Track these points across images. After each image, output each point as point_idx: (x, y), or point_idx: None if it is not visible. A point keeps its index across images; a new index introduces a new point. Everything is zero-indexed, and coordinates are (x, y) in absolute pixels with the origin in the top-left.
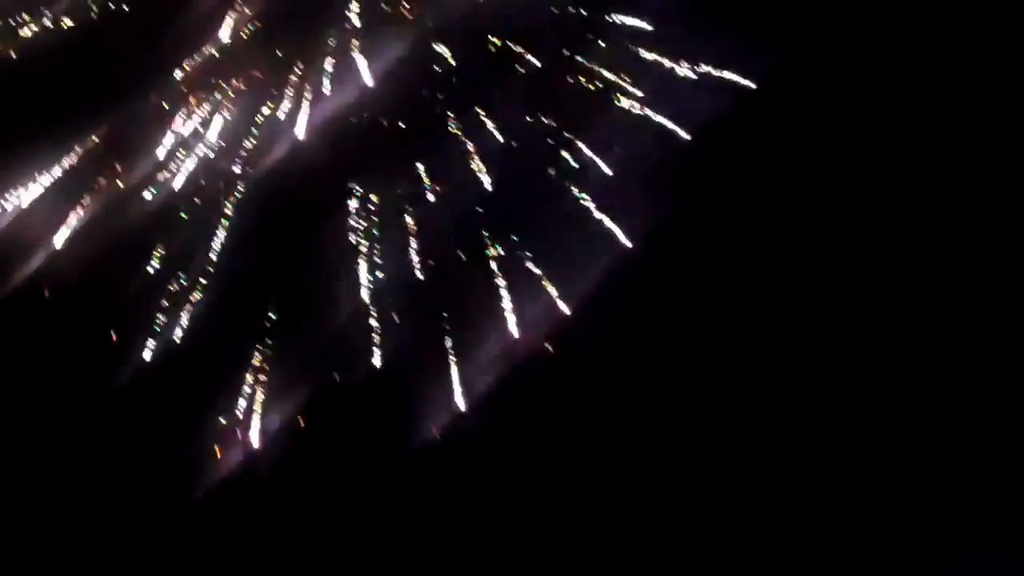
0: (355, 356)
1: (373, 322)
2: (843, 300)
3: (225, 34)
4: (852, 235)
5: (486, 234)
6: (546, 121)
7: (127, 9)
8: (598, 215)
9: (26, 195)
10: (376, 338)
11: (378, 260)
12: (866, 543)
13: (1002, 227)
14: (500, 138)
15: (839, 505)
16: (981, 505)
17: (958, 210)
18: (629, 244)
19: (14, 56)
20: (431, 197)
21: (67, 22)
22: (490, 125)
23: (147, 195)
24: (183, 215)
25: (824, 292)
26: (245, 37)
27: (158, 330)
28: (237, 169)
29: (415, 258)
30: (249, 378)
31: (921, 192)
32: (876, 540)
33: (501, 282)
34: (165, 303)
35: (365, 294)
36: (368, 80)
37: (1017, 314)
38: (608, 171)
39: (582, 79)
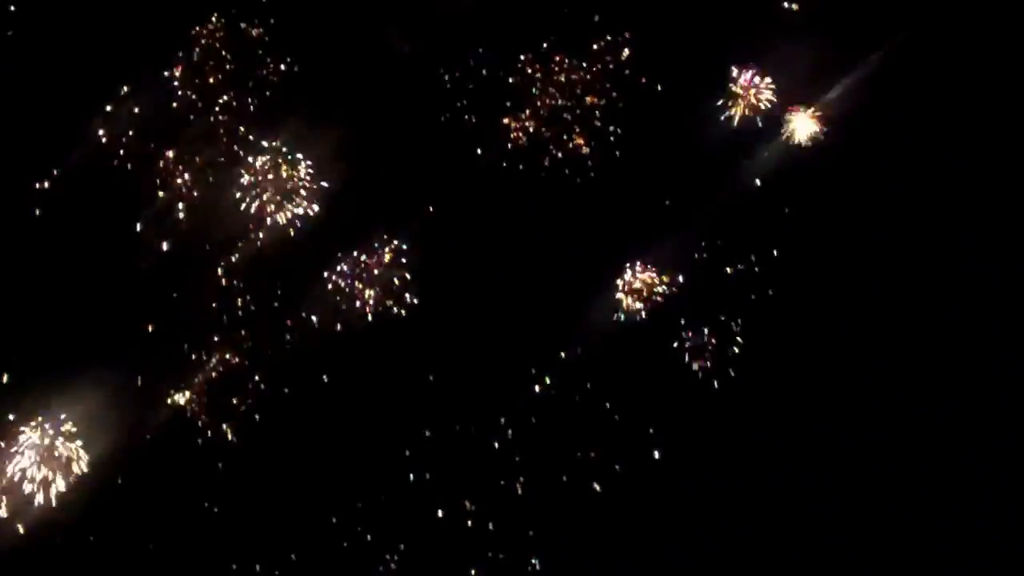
0: None
1: None
2: (844, 301)
3: None
4: (854, 237)
5: None
6: None
7: None
8: None
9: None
10: None
11: None
12: (866, 543)
13: (1003, 229)
14: None
15: (839, 506)
16: (981, 506)
17: (959, 212)
18: None
19: None
20: None
21: None
22: None
23: None
24: None
25: (824, 293)
26: None
27: None
28: None
29: None
30: None
31: (923, 195)
32: (876, 540)
33: None
34: None
35: None
36: None
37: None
38: None
39: None
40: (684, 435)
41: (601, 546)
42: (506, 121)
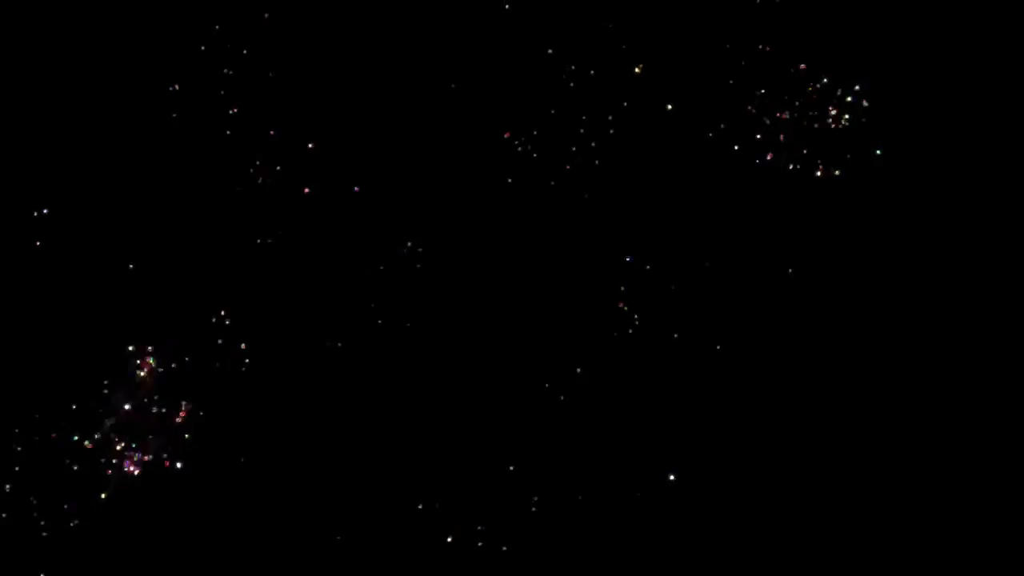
0: None
1: None
2: (843, 301)
3: None
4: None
5: None
6: None
7: None
8: None
9: None
10: None
11: None
12: (866, 543)
13: (1002, 228)
14: None
15: (839, 507)
16: (981, 506)
17: (959, 213)
18: None
19: None
20: None
21: None
22: None
23: None
24: None
25: (823, 292)
26: None
27: None
28: None
29: None
30: None
31: (923, 196)
32: (876, 541)
33: None
34: None
35: None
36: None
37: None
38: None
39: None
40: (701, 453)
41: (607, 552)
42: (508, 133)
